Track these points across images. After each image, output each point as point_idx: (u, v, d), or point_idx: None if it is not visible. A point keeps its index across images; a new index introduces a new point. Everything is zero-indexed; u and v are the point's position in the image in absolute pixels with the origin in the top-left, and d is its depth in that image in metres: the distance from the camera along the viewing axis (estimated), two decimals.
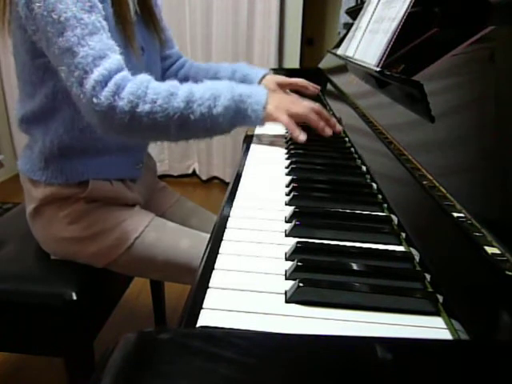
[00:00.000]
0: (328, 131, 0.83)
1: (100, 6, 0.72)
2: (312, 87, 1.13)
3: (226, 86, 0.76)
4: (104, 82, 0.69)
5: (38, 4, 0.67)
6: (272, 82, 1.07)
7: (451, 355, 0.26)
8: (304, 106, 0.82)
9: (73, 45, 0.68)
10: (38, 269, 0.87)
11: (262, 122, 0.77)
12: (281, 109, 0.79)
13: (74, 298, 0.80)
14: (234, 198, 0.60)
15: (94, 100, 0.69)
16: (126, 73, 0.72)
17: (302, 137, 0.79)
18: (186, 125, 0.73)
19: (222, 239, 0.48)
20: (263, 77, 1.07)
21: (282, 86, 1.07)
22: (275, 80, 1.07)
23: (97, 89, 0.68)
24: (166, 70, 1.12)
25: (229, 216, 0.54)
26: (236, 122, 0.76)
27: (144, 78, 0.73)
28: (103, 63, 0.69)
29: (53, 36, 0.68)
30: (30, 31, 0.71)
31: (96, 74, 0.68)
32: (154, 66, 0.95)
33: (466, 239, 0.37)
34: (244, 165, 0.75)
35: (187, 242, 0.86)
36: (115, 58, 0.71)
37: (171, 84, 0.74)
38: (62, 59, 0.69)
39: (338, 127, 0.85)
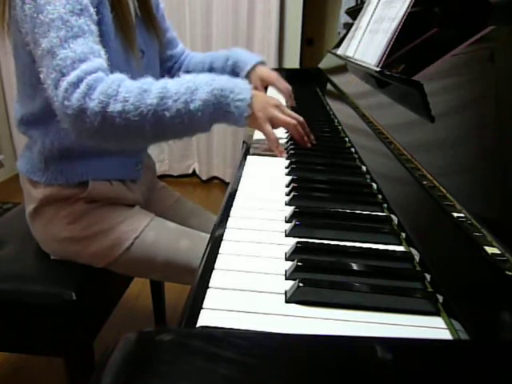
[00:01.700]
0: (309, 146, 0.83)
1: (92, 10, 0.70)
2: (290, 101, 1.12)
3: (205, 79, 0.70)
4: (77, 83, 0.66)
5: (28, 5, 0.67)
6: (257, 77, 1.04)
7: (451, 355, 0.26)
8: (290, 115, 0.79)
9: (54, 46, 0.66)
10: (37, 269, 0.87)
11: (245, 121, 0.72)
12: (267, 115, 0.75)
13: (74, 298, 0.80)
14: (233, 198, 0.60)
15: (66, 102, 0.66)
16: (101, 74, 0.68)
17: (284, 154, 0.79)
18: (162, 123, 0.68)
19: (222, 239, 0.48)
20: (253, 67, 1.05)
21: (264, 83, 1.06)
22: (260, 75, 1.04)
23: (69, 91, 0.66)
24: (170, 69, 1.12)
25: (229, 216, 0.54)
26: (217, 118, 0.71)
27: (117, 76, 0.69)
28: (81, 66, 0.66)
29: (39, 37, 0.67)
30: (23, 33, 0.71)
31: (72, 75, 0.66)
32: (153, 68, 0.94)
33: (466, 239, 0.37)
34: (244, 165, 0.74)
35: (187, 242, 0.86)
36: (97, 61, 0.68)
37: (145, 81, 0.70)
38: (43, 60, 0.68)
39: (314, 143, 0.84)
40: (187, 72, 1.10)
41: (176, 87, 0.69)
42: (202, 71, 1.07)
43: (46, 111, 0.79)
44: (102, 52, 0.71)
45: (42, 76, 0.69)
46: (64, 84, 0.66)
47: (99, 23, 0.73)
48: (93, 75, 0.67)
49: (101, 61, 0.69)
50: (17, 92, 0.84)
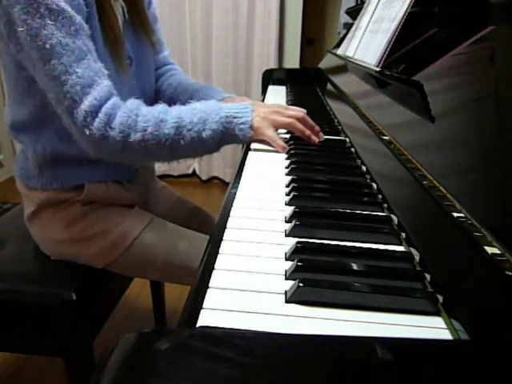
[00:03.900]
0: (314, 139, 0.84)
1: (86, 26, 0.70)
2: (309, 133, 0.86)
3: (213, 108, 0.76)
4: (95, 112, 0.69)
5: (20, 28, 0.65)
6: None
7: (451, 355, 0.26)
8: (289, 116, 0.82)
9: (60, 73, 0.67)
10: (37, 269, 0.87)
11: (250, 139, 0.78)
12: (266, 123, 0.79)
13: (74, 298, 0.80)
14: (234, 198, 0.60)
15: (86, 131, 0.69)
16: (115, 99, 0.72)
17: (286, 148, 0.81)
18: (177, 149, 0.74)
19: (221, 239, 0.48)
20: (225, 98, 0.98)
21: None
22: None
23: (88, 120, 0.69)
24: None
25: (229, 216, 0.54)
26: (224, 142, 0.77)
27: (133, 104, 0.74)
28: (92, 91, 0.69)
29: (38, 62, 0.67)
30: (13, 49, 0.69)
31: (86, 104, 0.68)
32: (146, 74, 0.92)
33: (466, 239, 0.37)
34: (244, 165, 0.75)
35: (186, 243, 0.86)
36: (104, 84, 0.71)
37: (160, 110, 0.74)
38: (50, 86, 0.68)
39: (321, 135, 0.86)
40: (159, 91, 1.05)
41: (190, 117, 0.74)
42: (170, 97, 1.02)
43: (34, 118, 0.78)
44: (104, 69, 0.72)
45: (52, 102, 0.71)
46: (81, 112, 0.68)
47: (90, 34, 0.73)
48: (109, 102, 0.70)
49: (107, 82, 0.72)
50: (7, 96, 0.82)
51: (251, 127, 0.77)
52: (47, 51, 0.66)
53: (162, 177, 2.74)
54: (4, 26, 0.67)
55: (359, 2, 1.79)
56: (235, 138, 0.77)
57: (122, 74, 0.81)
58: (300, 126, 0.82)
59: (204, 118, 0.74)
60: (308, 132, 0.83)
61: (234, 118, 0.76)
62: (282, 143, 0.80)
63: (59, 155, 0.80)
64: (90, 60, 0.70)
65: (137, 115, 0.72)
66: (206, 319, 0.35)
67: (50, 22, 0.65)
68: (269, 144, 0.81)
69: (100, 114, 0.69)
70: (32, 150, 0.81)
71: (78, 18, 0.69)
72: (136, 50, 0.88)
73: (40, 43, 0.65)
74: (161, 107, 0.76)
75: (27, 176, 0.84)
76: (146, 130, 0.72)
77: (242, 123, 0.76)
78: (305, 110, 0.85)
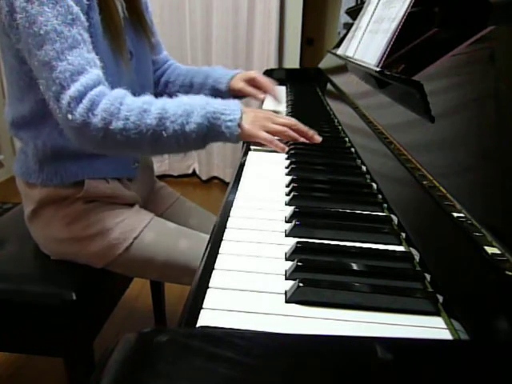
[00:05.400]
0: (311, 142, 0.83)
1: (83, 17, 0.71)
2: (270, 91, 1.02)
3: (200, 102, 0.75)
4: (79, 98, 0.68)
5: (20, 15, 0.66)
6: (238, 79, 1.04)
7: (451, 355, 0.26)
8: (280, 123, 0.81)
9: (51, 59, 0.67)
10: (37, 269, 0.87)
11: (237, 139, 0.76)
12: (257, 126, 0.78)
13: (74, 298, 0.80)
14: (234, 197, 0.60)
15: (69, 116, 0.69)
16: (102, 88, 0.71)
17: (286, 148, 0.80)
18: (159, 141, 0.73)
19: (221, 239, 0.48)
20: (232, 78, 1.04)
21: (246, 79, 1.04)
22: (239, 77, 1.04)
23: (72, 105, 0.68)
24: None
25: (229, 216, 0.54)
26: (209, 138, 0.75)
27: (119, 93, 0.73)
28: (80, 79, 0.69)
29: (33, 48, 0.68)
30: (13, 39, 0.71)
31: (72, 89, 0.68)
32: (145, 70, 0.93)
33: (466, 239, 0.37)
34: (244, 165, 0.74)
35: (186, 243, 0.86)
36: (94, 73, 0.70)
37: (145, 100, 0.74)
38: (41, 72, 0.69)
39: (317, 138, 0.84)
40: (168, 82, 1.08)
41: (174, 109, 0.73)
42: (182, 85, 1.07)
43: (35, 114, 0.79)
44: (97, 60, 0.72)
45: (41, 87, 0.71)
46: (66, 98, 0.68)
47: (88, 26, 0.73)
48: (95, 90, 0.70)
49: (97, 72, 0.71)
50: (7, 94, 0.83)
51: (239, 125, 0.75)
52: (41, 37, 0.67)
53: (162, 177, 2.74)
54: (5, 16, 0.69)
55: (359, 1, 1.79)
56: (221, 135, 0.75)
57: (123, 67, 0.82)
58: (293, 133, 0.81)
59: (189, 110, 0.73)
60: (302, 139, 0.82)
61: (222, 114, 0.74)
62: (281, 144, 0.80)
63: (59, 150, 0.81)
64: (83, 50, 0.70)
65: (121, 103, 0.71)
66: (206, 319, 0.35)
67: (47, 9, 0.67)
68: (267, 146, 0.81)
69: (84, 100, 0.69)
70: (32, 146, 0.81)
71: (76, 9, 0.70)
72: (136, 46, 0.89)
73: (36, 29, 0.66)
74: (147, 98, 0.75)
75: (27, 173, 0.84)
76: (128, 119, 0.70)
77: (229, 120, 0.74)
78: (294, 119, 0.84)
